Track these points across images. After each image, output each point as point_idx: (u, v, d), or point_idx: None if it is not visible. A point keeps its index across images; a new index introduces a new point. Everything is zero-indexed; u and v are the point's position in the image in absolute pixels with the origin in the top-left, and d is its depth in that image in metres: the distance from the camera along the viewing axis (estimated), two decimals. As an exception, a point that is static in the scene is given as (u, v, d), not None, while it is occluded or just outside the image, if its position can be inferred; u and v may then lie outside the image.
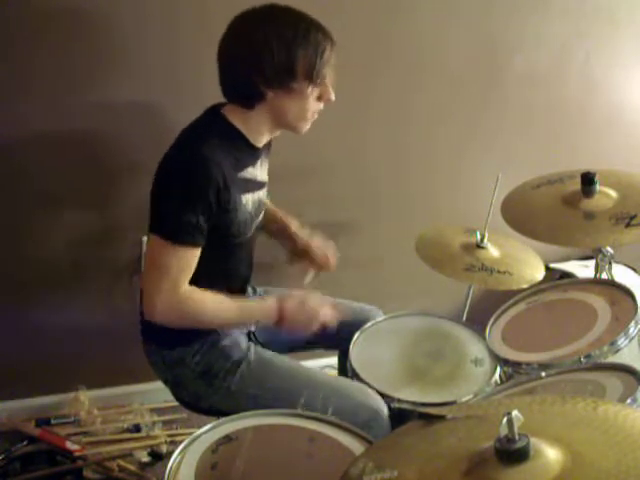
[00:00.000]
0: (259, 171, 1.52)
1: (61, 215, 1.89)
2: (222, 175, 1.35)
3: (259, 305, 1.51)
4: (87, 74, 1.75)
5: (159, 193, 1.39)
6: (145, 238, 1.95)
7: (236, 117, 1.44)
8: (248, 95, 1.40)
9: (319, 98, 1.45)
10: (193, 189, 1.34)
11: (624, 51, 2.34)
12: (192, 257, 1.38)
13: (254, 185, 1.50)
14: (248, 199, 1.46)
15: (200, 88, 1.83)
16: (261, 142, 1.49)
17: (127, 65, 1.77)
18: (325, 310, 1.48)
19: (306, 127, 1.48)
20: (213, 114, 1.46)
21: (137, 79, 1.80)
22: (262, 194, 1.56)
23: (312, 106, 1.45)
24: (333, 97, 1.46)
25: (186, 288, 1.39)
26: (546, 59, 2.25)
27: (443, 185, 2.29)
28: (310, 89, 1.41)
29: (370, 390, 1.50)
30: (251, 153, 1.47)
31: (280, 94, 1.39)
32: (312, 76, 1.39)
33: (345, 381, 1.56)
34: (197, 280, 1.41)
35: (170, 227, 1.35)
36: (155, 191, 1.40)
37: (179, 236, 1.35)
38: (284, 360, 1.58)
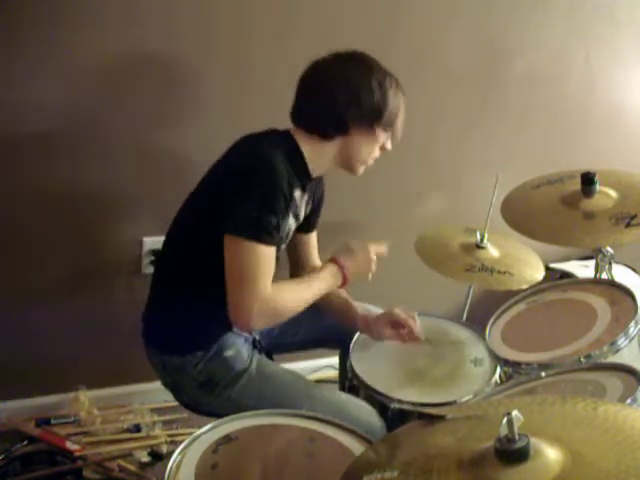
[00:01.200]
0: (301, 202, 1.54)
1: (61, 215, 1.89)
2: (288, 184, 1.40)
3: (325, 275, 1.52)
4: (93, 76, 1.75)
5: (235, 195, 1.37)
6: (145, 239, 1.97)
7: (305, 142, 1.49)
8: (333, 126, 1.47)
9: (381, 147, 1.55)
10: (273, 191, 1.36)
11: (624, 51, 2.34)
12: (272, 258, 1.39)
13: (295, 209, 1.51)
14: (288, 219, 1.48)
15: (200, 95, 1.85)
16: (315, 173, 1.52)
17: (131, 68, 1.77)
18: (373, 252, 1.56)
19: (362, 170, 1.57)
20: (281, 132, 1.51)
21: (141, 83, 1.80)
22: (294, 227, 1.57)
23: (375, 152, 1.55)
24: (390, 148, 1.57)
25: (271, 288, 1.38)
26: (546, 59, 2.25)
27: (443, 185, 2.29)
28: (383, 136, 1.53)
29: (368, 407, 1.51)
30: (304, 180, 1.50)
31: (362, 133, 1.49)
32: (391, 124, 1.52)
33: (343, 397, 1.56)
34: (214, 281, 1.40)
35: (255, 227, 1.35)
36: (228, 193, 1.38)
37: (262, 236, 1.35)
38: (285, 374, 1.58)
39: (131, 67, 1.78)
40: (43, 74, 1.70)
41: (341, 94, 1.45)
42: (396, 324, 1.64)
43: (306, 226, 1.67)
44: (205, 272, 1.47)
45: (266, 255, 1.36)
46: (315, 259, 1.77)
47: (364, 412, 1.49)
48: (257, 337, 1.63)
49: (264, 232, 1.35)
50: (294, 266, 1.77)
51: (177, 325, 1.51)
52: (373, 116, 1.48)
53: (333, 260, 1.53)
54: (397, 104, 1.51)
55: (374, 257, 1.57)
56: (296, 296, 1.45)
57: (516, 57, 2.20)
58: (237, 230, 1.35)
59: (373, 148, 1.54)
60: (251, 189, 1.36)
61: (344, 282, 1.53)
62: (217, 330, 1.51)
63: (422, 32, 2.05)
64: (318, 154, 1.51)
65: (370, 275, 1.59)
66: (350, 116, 1.46)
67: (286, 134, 1.51)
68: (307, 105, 1.50)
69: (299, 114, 1.51)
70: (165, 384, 1.58)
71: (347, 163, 1.55)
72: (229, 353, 1.51)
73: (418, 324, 1.63)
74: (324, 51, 1.90)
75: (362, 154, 1.53)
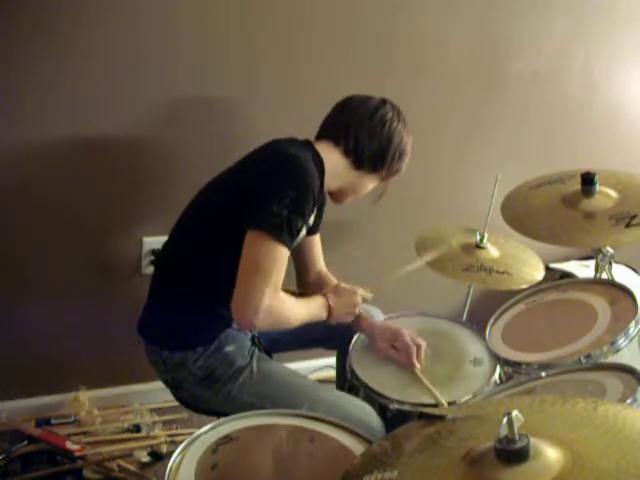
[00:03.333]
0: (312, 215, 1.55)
1: (61, 215, 1.89)
2: (317, 192, 1.43)
3: (315, 304, 1.53)
4: (88, 72, 1.75)
5: (268, 194, 1.37)
6: (145, 239, 1.97)
7: (329, 157, 1.52)
8: (372, 163, 1.57)
9: None
10: (306, 195, 1.38)
11: (624, 50, 2.34)
12: (286, 261, 1.38)
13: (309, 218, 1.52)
14: (303, 230, 1.48)
15: (202, 99, 1.85)
16: (325, 188, 1.55)
17: (136, 66, 1.78)
18: (359, 297, 1.60)
19: (345, 202, 1.69)
20: (304, 142, 1.54)
21: (143, 85, 1.80)
22: (303, 234, 1.56)
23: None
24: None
25: (281, 292, 1.39)
26: (546, 59, 2.25)
27: (443, 185, 2.29)
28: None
29: (367, 406, 1.51)
30: (321, 190, 1.50)
31: (379, 177, 1.62)
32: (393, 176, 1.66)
33: (342, 396, 1.56)
34: (218, 280, 1.42)
35: (282, 227, 1.35)
36: (260, 191, 1.38)
37: (286, 237, 1.35)
38: (286, 372, 1.58)
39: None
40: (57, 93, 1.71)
41: (395, 143, 1.58)
42: (399, 347, 1.63)
43: (310, 229, 1.68)
44: (210, 270, 1.48)
45: (283, 256, 1.37)
46: (320, 262, 1.77)
47: (363, 412, 1.49)
48: (256, 334, 1.63)
49: (288, 233, 1.36)
50: (300, 270, 1.77)
51: (178, 321, 1.51)
52: (397, 170, 1.64)
53: (323, 295, 1.56)
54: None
55: (359, 302, 1.60)
56: (296, 310, 1.45)
57: (516, 56, 2.20)
58: (265, 227, 1.35)
59: (369, 189, 1.66)
60: (286, 190, 1.36)
61: (329, 317, 1.55)
62: (218, 326, 1.52)
63: (422, 32, 2.05)
64: (337, 173, 1.55)
65: (350, 318, 1.61)
66: (388, 163, 1.59)
67: (309, 144, 1.54)
68: (361, 133, 1.55)
69: (345, 136, 1.55)
70: (165, 381, 1.58)
71: (346, 193, 1.64)
72: (230, 348, 1.51)
73: (422, 354, 1.62)
74: (327, 54, 1.93)
75: (363, 192, 1.65)
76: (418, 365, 1.59)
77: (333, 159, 1.53)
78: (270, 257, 1.35)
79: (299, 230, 1.40)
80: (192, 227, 1.55)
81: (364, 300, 1.62)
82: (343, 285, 1.61)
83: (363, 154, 1.55)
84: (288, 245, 1.37)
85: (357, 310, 1.60)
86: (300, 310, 1.47)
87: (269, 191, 1.37)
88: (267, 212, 1.35)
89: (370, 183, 1.64)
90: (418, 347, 1.62)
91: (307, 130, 1.61)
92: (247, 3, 1.81)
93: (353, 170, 1.58)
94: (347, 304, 1.58)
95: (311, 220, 1.57)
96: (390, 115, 1.58)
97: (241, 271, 1.36)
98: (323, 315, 1.54)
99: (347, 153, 1.55)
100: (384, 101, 1.60)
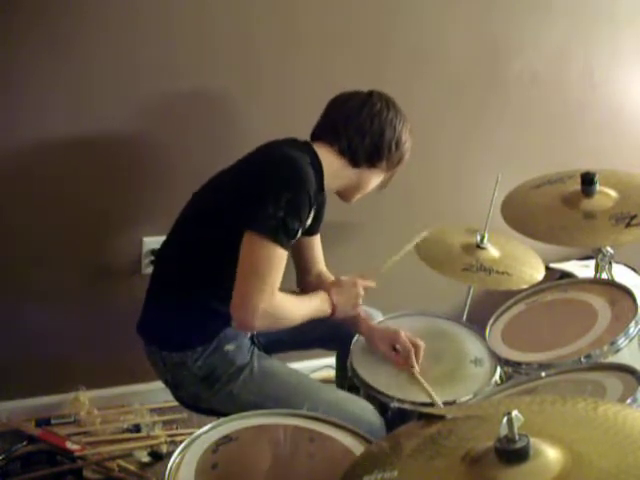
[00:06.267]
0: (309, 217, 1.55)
1: (61, 215, 1.89)
2: (314, 194, 1.43)
3: (318, 300, 1.54)
4: (88, 70, 1.75)
5: (264, 196, 1.37)
6: (145, 239, 1.97)
7: (328, 159, 1.52)
8: (369, 158, 1.55)
9: None
10: (302, 198, 1.38)
11: (624, 51, 2.34)
12: (284, 263, 1.39)
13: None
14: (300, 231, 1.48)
15: (203, 103, 1.85)
16: (326, 188, 1.55)
17: (133, 67, 1.77)
18: (360, 287, 1.59)
19: (355, 200, 1.67)
20: (302, 143, 1.54)
21: (144, 84, 1.80)
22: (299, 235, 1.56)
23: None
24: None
25: (279, 292, 1.39)
26: (546, 59, 2.25)
27: (444, 185, 2.29)
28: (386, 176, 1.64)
29: (368, 405, 1.52)
30: (319, 192, 1.50)
31: (381, 170, 1.59)
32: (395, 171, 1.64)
33: (344, 395, 1.57)
34: (216, 279, 1.44)
35: (279, 229, 1.35)
36: (256, 193, 1.38)
37: (283, 238, 1.36)
38: (286, 371, 1.58)
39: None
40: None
41: (388, 135, 1.54)
42: (399, 349, 1.63)
43: (309, 230, 1.68)
44: (208, 270, 1.49)
45: (281, 258, 1.37)
46: (320, 263, 1.77)
47: (364, 410, 1.50)
48: (254, 332, 1.63)
49: (285, 236, 1.36)
50: (300, 271, 1.77)
51: (177, 321, 1.51)
52: (399, 161, 1.60)
53: (325, 290, 1.56)
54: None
55: (362, 293, 1.59)
56: (296, 308, 1.46)
57: (516, 57, 2.20)
58: (261, 229, 1.35)
59: (376, 183, 1.63)
60: (282, 192, 1.36)
61: (332, 313, 1.55)
62: (217, 325, 1.52)
63: (422, 32, 2.05)
64: (337, 173, 1.55)
65: (357, 309, 1.61)
66: (386, 156, 1.56)
67: (308, 146, 1.53)
68: (351, 131, 1.53)
69: (335, 135, 1.54)
70: (165, 381, 1.58)
71: (352, 191, 1.63)
72: (230, 347, 1.52)
73: (421, 356, 1.62)
74: (327, 54, 1.93)
75: (370, 187, 1.63)
76: (417, 367, 1.59)
77: (330, 160, 1.53)
78: (267, 259, 1.35)
79: (296, 232, 1.40)
80: (190, 227, 1.56)
81: (366, 288, 1.61)
82: (343, 278, 1.60)
83: (357, 152, 1.54)
84: (285, 246, 1.37)
85: (360, 301, 1.59)
86: (300, 308, 1.47)
87: (265, 193, 1.37)
88: (263, 214, 1.35)
89: (374, 177, 1.61)
90: (417, 348, 1.62)
91: (307, 128, 1.61)
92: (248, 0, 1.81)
93: (352, 168, 1.56)
94: (349, 296, 1.58)
95: (308, 222, 1.57)
96: (378, 107, 1.54)
97: (239, 273, 1.37)
98: (327, 310, 1.54)
99: (342, 153, 1.54)
100: (371, 93, 1.57)
